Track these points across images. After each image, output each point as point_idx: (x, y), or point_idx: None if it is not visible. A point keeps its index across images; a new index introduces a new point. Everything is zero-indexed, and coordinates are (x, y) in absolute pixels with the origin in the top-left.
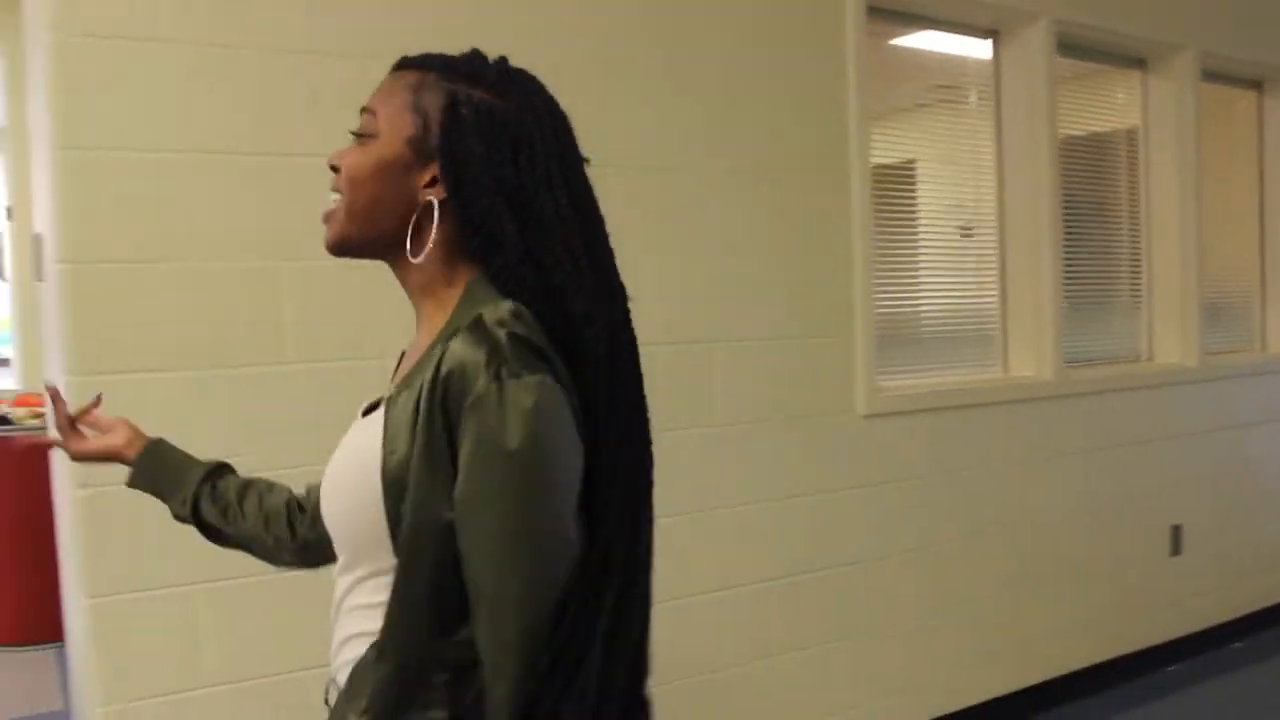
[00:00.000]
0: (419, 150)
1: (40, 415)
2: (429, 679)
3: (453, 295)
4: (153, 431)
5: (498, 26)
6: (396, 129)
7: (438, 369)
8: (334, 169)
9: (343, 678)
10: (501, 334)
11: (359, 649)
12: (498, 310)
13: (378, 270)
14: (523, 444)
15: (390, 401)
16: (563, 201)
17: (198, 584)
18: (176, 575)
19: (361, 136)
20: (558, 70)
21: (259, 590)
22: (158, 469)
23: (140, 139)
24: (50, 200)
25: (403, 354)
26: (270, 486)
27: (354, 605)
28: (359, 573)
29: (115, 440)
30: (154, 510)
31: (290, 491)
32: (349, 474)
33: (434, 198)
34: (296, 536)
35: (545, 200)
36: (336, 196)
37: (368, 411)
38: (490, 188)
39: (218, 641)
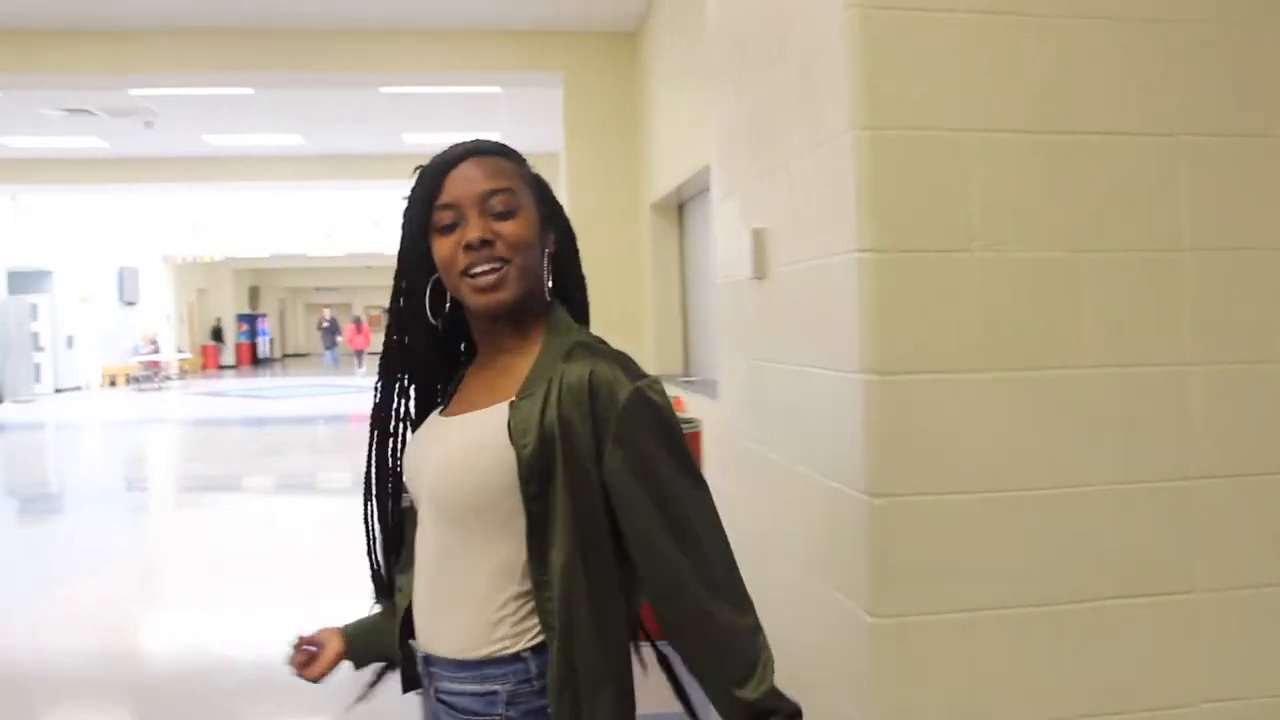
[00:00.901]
0: (544, 222)
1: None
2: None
3: (537, 326)
4: (951, 434)
5: None
6: (530, 205)
7: (578, 381)
8: (487, 242)
9: (445, 647)
10: (613, 352)
11: (470, 617)
12: (587, 336)
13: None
14: (675, 421)
15: (514, 406)
16: None
17: (985, 610)
18: (965, 599)
19: (507, 213)
20: None
21: (1051, 621)
22: (368, 646)
23: (939, 117)
24: (852, 185)
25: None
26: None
27: (467, 570)
28: (473, 543)
29: (335, 648)
30: (946, 526)
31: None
32: (478, 458)
33: (550, 251)
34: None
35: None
36: (496, 265)
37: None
38: (573, 239)
39: (1000, 676)
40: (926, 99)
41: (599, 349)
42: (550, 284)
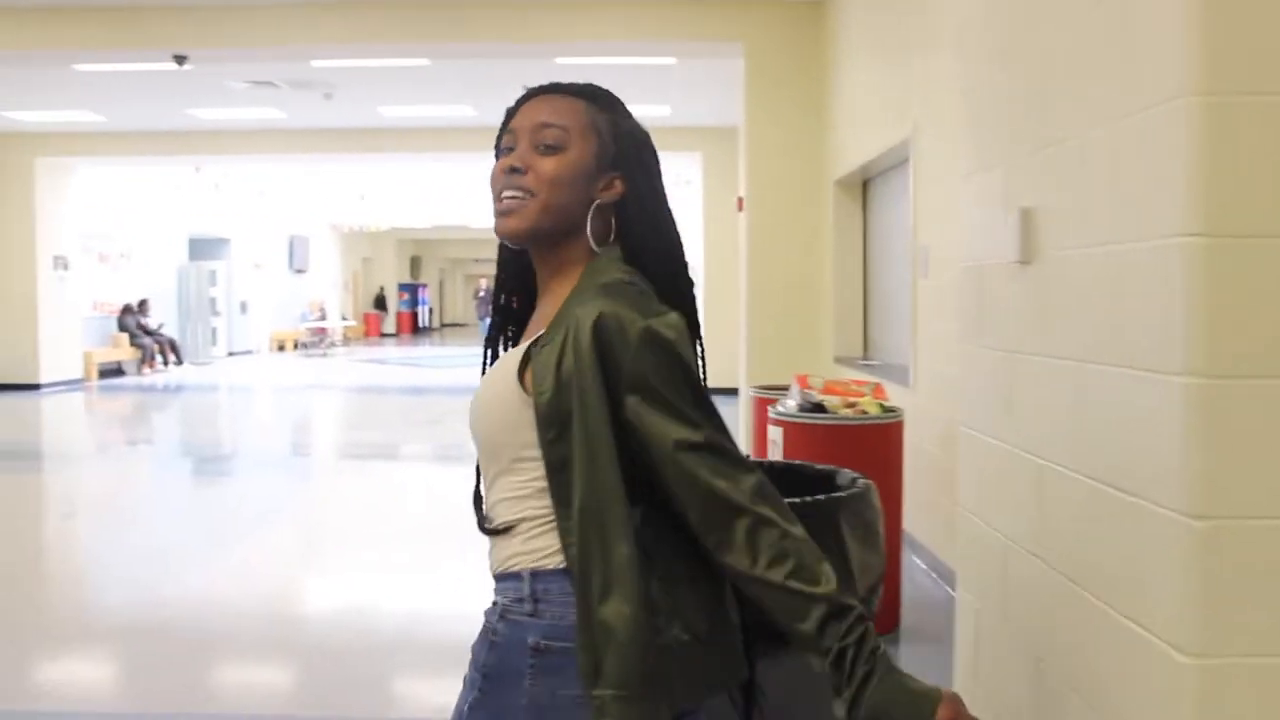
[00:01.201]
0: (600, 163)
1: (853, 405)
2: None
3: (578, 271)
4: None
5: None
6: (584, 145)
7: (587, 323)
8: (517, 169)
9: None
10: (631, 291)
11: (496, 537)
12: (616, 276)
13: None
14: (689, 355)
15: (533, 353)
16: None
17: None
18: None
19: (552, 148)
20: None
21: None
22: None
23: None
24: (1180, 159)
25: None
26: None
27: (497, 495)
28: (499, 472)
29: None
30: None
31: None
32: (496, 401)
33: (607, 200)
34: None
35: (667, 201)
36: (519, 194)
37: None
38: (652, 194)
39: None
40: (1272, 58)
41: (617, 288)
42: (611, 234)
